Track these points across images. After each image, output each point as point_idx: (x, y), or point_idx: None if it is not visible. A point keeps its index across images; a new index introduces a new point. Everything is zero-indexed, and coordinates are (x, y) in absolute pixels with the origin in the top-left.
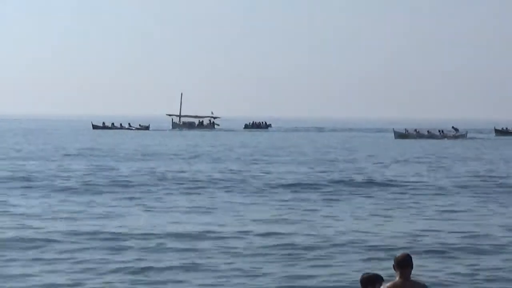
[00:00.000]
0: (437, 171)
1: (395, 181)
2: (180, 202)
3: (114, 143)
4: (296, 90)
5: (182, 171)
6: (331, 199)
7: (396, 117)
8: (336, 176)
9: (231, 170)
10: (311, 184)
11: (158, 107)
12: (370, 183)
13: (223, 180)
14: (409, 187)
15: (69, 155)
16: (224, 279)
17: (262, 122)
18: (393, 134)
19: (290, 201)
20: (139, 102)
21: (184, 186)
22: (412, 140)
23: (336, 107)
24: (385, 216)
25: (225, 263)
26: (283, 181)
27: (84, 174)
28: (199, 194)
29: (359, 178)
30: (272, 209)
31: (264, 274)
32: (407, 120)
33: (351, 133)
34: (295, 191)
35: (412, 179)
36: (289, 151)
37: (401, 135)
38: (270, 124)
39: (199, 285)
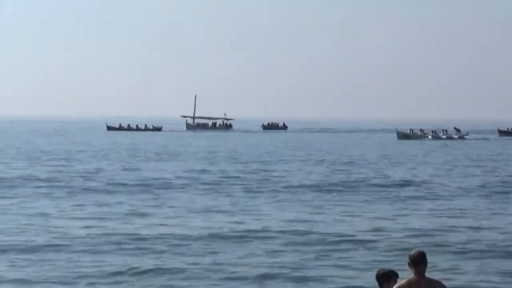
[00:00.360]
0: (448, 171)
1: (408, 181)
2: (202, 202)
3: (132, 144)
4: (297, 91)
5: (205, 171)
6: (348, 199)
7: (397, 117)
8: (351, 176)
9: (255, 170)
10: (328, 184)
11: (171, 109)
12: (382, 183)
13: (247, 180)
14: (423, 187)
15: (94, 156)
16: (242, 280)
17: (280, 123)
18: (395, 135)
19: (309, 200)
20: (149, 104)
21: (207, 186)
22: (416, 141)
23: (337, 108)
24: (400, 215)
25: (244, 264)
26: (304, 182)
27: (109, 175)
28: (221, 194)
29: (373, 178)
30: (292, 209)
31: (280, 275)
32: (408, 120)
33: (354, 134)
34: (313, 191)
35: (424, 179)
36: (309, 152)
37: (404, 136)
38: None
39: (215, 284)
